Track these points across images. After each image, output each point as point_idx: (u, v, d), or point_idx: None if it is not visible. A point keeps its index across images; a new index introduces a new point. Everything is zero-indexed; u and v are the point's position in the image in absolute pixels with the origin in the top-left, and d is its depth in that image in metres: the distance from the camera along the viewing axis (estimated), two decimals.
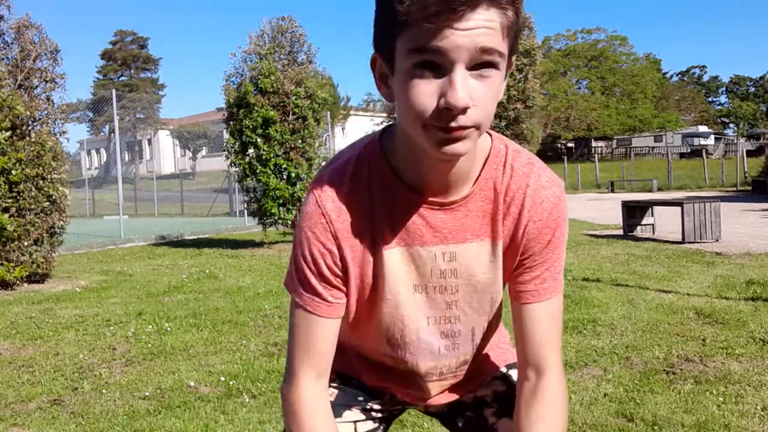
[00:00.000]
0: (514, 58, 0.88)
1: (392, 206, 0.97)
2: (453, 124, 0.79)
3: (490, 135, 1.00)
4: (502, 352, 1.26)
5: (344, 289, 0.99)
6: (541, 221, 0.99)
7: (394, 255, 0.98)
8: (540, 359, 1.02)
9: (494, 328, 1.14)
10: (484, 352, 1.18)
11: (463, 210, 0.97)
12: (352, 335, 1.14)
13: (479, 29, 0.76)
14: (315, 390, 1.00)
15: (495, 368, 1.23)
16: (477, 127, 0.81)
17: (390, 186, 0.96)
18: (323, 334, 0.99)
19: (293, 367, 1.01)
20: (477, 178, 0.97)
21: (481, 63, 0.78)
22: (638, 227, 10.36)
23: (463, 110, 0.78)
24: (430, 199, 0.96)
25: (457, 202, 0.96)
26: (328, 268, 0.97)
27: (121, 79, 55.91)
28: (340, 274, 0.98)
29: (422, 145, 0.84)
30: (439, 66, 0.78)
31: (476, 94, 0.79)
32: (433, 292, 1.02)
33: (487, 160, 0.98)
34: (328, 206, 0.96)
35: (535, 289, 1.01)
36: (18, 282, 7.04)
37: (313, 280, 0.98)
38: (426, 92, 0.79)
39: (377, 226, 0.97)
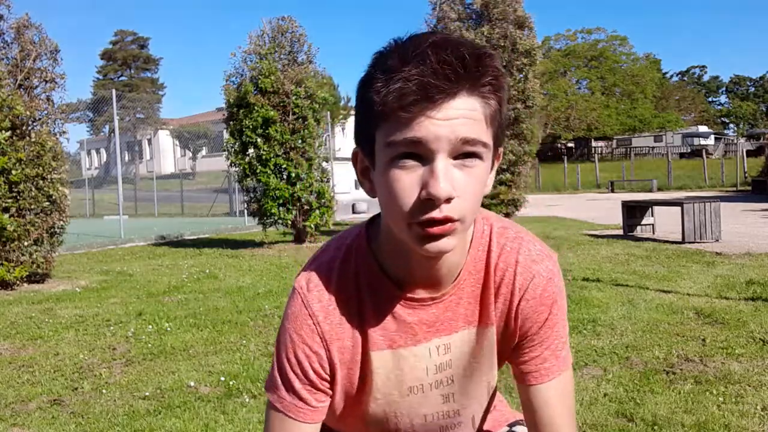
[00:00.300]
0: (501, 150, 0.85)
1: (381, 305, 0.92)
2: (436, 215, 0.75)
3: None
4: (501, 413, 1.19)
5: (330, 392, 0.94)
6: (535, 299, 0.93)
7: (385, 357, 0.93)
8: None
9: (492, 402, 1.09)
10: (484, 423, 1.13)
11: (454, 298, 0.92)
12: (337, 423, 1.06)
13: (459, 119, 0.73)
14: None
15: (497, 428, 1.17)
16: (462, 221, 0.78)
17: (378, 284, 0.91)
18: None
19: None
20: (465, 263, 0.92)
21: (463, 153, 0.76)
22: (638, 227, 10.36)
23: (446, 200, 0.75)
24: (420, 295, 0.91)
25: (448, 292, 0.92)
26: (315, 371, 0.92)
27: (121, 79, 55.90)
28: (327, 377, 0.93)
29: (406, 242, 0.81)
30: (420, 156, 0.75)
31: (459, 184, 0.76)
32: (429, 390, 0.97)
33: (471, 242, 0.92)
34: (315, 306, 0.91)
35: (537, 370, 0.95)
36: (18, 282, 7.04)
37: (297, 384, 0.92)
38: (407, 184, 0.76)
39: (366, 326, 0.92)
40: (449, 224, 0.77)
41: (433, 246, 0.78)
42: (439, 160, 0.74)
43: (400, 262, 0.89)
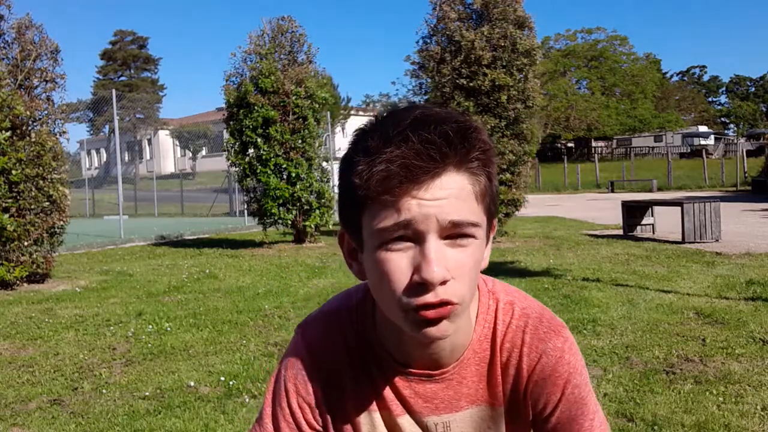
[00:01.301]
0: (495, 221, 0.83)
1: (378, 373, 0.89)
2: (432, 299, 0.72)
3: (478, 288, 0.90)
4: None
5: None
6: (544, 380, 0.87)
7: (381, 422, 0.90)
8: None
9: None
10: None
11: (457, 378, 0.88)
12: None
13: (448, 199, 0.71)
14: None
15: None
16: (460, 303, 0.74)
17: (379, 356, 0.89)
18: None
19: None
20: (470, 342, 0.88)
21: (454, 234, 0.73)
22: (638, 227, 10.36)
23: (441, 283, 0.72)
24: (420, 371, 0.87)
25: (449, 371, 0.88)
26: (308, 423, 0.90)
27: (121, 79, 55.93)
28: (319, 428, 0.91)
29: (402, 327, 0.77)
30: (409, 238, 0.72)
31: (454, 265, 0.73)
32: None
33: (477, 318, 0.88)
34: (312, 360, 0.90)
35: None
36: (18, 282, 7.04)
37: (283, 426, 0.90)
38: (399, 267, 0.73)
39: (365, 391, 0.90)
40: (447, 307, 0.73)
41: (432, 331, 0.74)
42: (430, 241, 0.71)
43: (397, 342, 0.86)
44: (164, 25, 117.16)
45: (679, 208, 9.15)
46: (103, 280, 7.62)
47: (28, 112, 7.01)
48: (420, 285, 0.72)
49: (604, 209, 16.68)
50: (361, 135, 0.77)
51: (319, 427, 0.91)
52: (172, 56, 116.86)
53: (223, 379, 3.58)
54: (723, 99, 76.66)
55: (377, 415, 0.90)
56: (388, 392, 0.89)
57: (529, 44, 9.54)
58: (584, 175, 32.96)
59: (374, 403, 0.90)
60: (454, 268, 0.73)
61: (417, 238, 0.72)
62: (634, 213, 10.43)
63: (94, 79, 56.45)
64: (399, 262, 0.73)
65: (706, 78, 77.70)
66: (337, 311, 0.92)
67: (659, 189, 27.16)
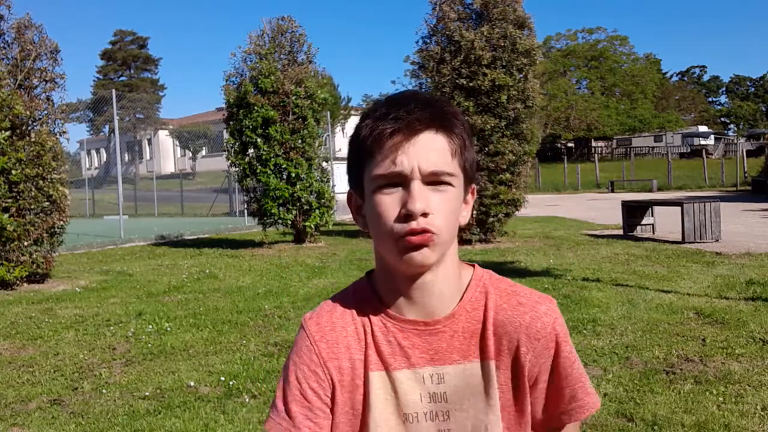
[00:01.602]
0: (473, 186, 1.00)
1: (377, 330, 0.98)
2: (415, 226, 0.88)
3: (474, 266, 1.04)
4: None
5: (328, 418, 0.97)
6: (545, 338, 0.96)
7: (381, 379, 0.97)
8: None
9: None
10: None
11: (449, 331, 0.97)
12: None
13: (429, 152, 0.90)
14: None
15: None
16: (438, 233, 0.89)
17: (374, 311, 0.99)
18: None
19: None
20: (461, 300, 0.98)
21: (434, 181, 0.90)
22: (638, 227, 10.36)
23: (423, 215, 0.88)
24: (413, 319, 0.97)
25: (441, 321, 0.97)
26: (313, 391, 0.96)
27: (121, 79, 55.90)
28: (327, 399, 0.96)
29: (390, 260, 0.93)
30: (399, 183, 0.90)
31: (434, 204, 0.90)
32: (425, 420, 0.98)
33: (470, 282, 1.00)
34: (312, 329, 0.99)
35: (571, 409, 0.98)
36: (18, 282, 7.04)
37: (295, 408, 0.96)
38: (390, 204, 0.90)
39: (362, 347, 0.98)
40: (427, 234, 0.89)
41: (416, 256, 0.89)
42: (414, 184, 0.89)
43: (391, 286, 0.98)
44: (164, 25, 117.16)
45: (679, 208, 9.15)
46: (103, 280, 7.62)
47: (28, 112, 7.01)
48: (406, 216, 0.88)
49: (604, 209, 16.68)
50: (369, 108, 0.97)
51: (325, 397, 0.97)
52: (172, 56, 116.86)
53: (223, 379, 3.58)
54: (723, 99, 76.73)
55: (376, 374, 0.97)
56: (386, 346, 0.97)
57: (528, 44, 9.54)
58: (584, 175, 32.97)
59: (374, 361, 0.97)
60: (434, 206, 0.89)
61: (404, 182, 0.89)
62: (634, 213, 10.43)
63: (94, 79, 56.45)
64: (391, 201, 0.90)
65: (706, 78, 77.72)
66: (335, 295, 1.05)
67: (659, 189, 27.16)
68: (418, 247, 0.89)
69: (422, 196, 0.88)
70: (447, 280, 0.97)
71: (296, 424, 0.95)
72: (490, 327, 0.97)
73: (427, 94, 0.96)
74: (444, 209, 0.90)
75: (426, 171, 0.89)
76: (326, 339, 0.98)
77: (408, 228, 0.88)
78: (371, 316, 0.99)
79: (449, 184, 0.91)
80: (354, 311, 1.00)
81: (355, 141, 0.96)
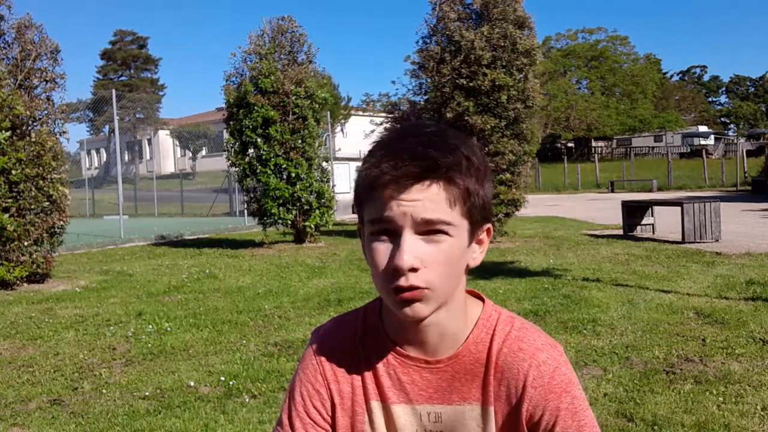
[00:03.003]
0: (485, 227, 0.94)
1: (378, 359, 0.98)
2: (402, 283, 0.85)
3: (484, 301, 1.01)
4: None
5: None
6: (543, 387, 0.93)
7: (379, 410, 0.98)
8: None
9: None
10: None
11: (450, 371, 0.96)
12: None
13: (421, 201, 0.85)
14: None
15: None
16: (431, 288, 0.86)
17: (380, 342, 0.99)
18: None
19: None
20: (466, 340, 0.96)
21: (428, 230, 0.86)
22: (638, 227, 10.36)
23: (412, 270, 0.84)
24: (414, 356, 0.96)
25: (443, 361, 0.95)
26: (316, 409, 0.98)
27: (121, 79, 55.89)
28: (328, 419, 0.99)
29: (390, 306, 0.90)
30: (392, 232, 0.86)
31: (426, 257, 0.85)
32: None
33: (477, 322, 0.97)
34: (319, 348, 1.01)
35: None
36: (18, 282, 7.04)
37: (297, 423, 0.98)
38: (382, 254, 0.87)
39: (364, 376, 0.98)
40: (417, 291, 0.85)
41: (407, 311, 0.87)
42: (405, 234, 0.85)
43: (394, 320, 0.96)
44: (164, 25, 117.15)
45: (679, 208, 9.15)
46: (103, 280, 7.62)
47: (28, 112, 7.01)
48: (395, 270, 0.85)
49: (604, 209, 16.68)
50: (373, 145, 0.93)
51: (327, 416, 0.99)
52: (172, 56, 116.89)
53: (223, 379, 3.58)
54: (723, 99, 76.69)
55: (375, 404, 0.98)
56: (386, 379, 0.97)
57: (529, 44, 9.54)
58: (584, 175, 32.97)
59: (374, 392, 0.98)
60: (427, 259, 0.85)
61: (396, 231, 0.86)
62: (634, 213, 10.43)
63: (94, 79, 56.44)
64: (383, 251, 0.87)
65: (706, 78, 77.70)
66: (348, 313, 1.05)
67: (659, 189, 27.16)
68: (409, 302, 0.86)
69: (411, 249, 0.84)
70: (451, 321, 0.95)
71: None
72: (492, 371, 0.95)
73: (430, 132, 0.90)
74: (438, 261, 0.86)
75: (417, 221, 0.85)
76: (331, 361, 0.99)
77: (396, 284, 0.85)
78: (375, 347, 0.99)
79: (445, 233, 0.86)
80: (360, 337, 1.00)
81: (356, 181, 0.94)
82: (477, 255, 0.94)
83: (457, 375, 0.96)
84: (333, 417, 0.98)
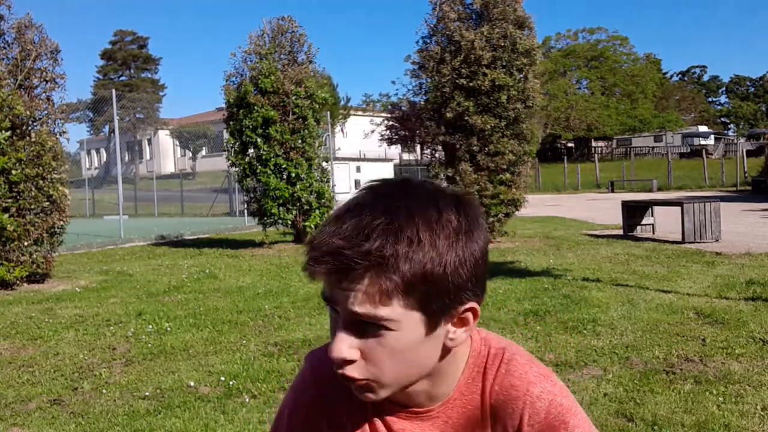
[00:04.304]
0: (465, 308, 0.81)
1: (371, 407, 0.92)
2: (341, 372, 0.79)
3: (471, 337, 0.92)
4: None
5: None
6: (540, 423, 0.89)
7: None
8: None
9: None
10: None
11: (443, 416, 0.91)
12: None
13: (352, 292, 0.75)
14: None
15: None
16: (375, 381, 0.79)
17: None
18: None
19: None
20: (457, 385, 0.90)
21: (362, 322, 0.76)
22: (638, 227, 10.36)
23: (345, 363, 0.78)
24: (407, 407, 0.91)
25: (434, 409, 0.90)
26: None
27: (121, 79, 55.90)
28: None
29: None
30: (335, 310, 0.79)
31: (366, 349, 0.77)
32: None
33: (467, 363, 0.91)
34: (317, 388, 0.95)
35: None
36: (18, 282, 7.04)
37: None
38: (331, 334, 0.80)
39: (356, 420, 0.93)
40: (358, 382, 0.79)
41: (361, 396, 0.82)
42: (341, 324, 0.78)
43: None
44: (164, 25, 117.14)
45: (679, 208, 9.15)
46: (103, 280, 7.62)
47: (28, 112, 7.01)
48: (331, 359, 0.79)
49: (604, 209, 16.68)
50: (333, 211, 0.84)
51: None
52: (172, 56, 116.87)
53: (223, 379, 3.58)
54: (723, 99, 76.72)
55: None
56: (380, 425, 0.92)
57: (528, 44, 9.54)
58: (584, 175, 32.98)
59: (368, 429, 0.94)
60: (365, 353, 0.78)
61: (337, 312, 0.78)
62: (634, 213, 10.43)
63: (94, 79, 56.45)
64: (332, 326, 0.81)
65: (706, 78, 77.72)
66: None
67: (659, 189, 27.17)
68: (362, 390, 0.80)
69: (345, 339, 0.77)
70: (439, 387, 0.89)
71: None
72: (487, 413, 0.91)
73: (386, 199, 0.78)
74: (381, 356, 0.77)
75: (345, 314, 0.77)
76: (326, 406, 0.94)
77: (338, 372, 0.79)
78: None
79: (385, 327, 0.76)
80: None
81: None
82: (458, 335, 0.82)
83: (449, 420, 0.91)
84: None
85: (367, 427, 0.93)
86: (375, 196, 0.80)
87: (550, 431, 0.89)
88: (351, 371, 0.78)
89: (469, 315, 0.82)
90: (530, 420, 0.89)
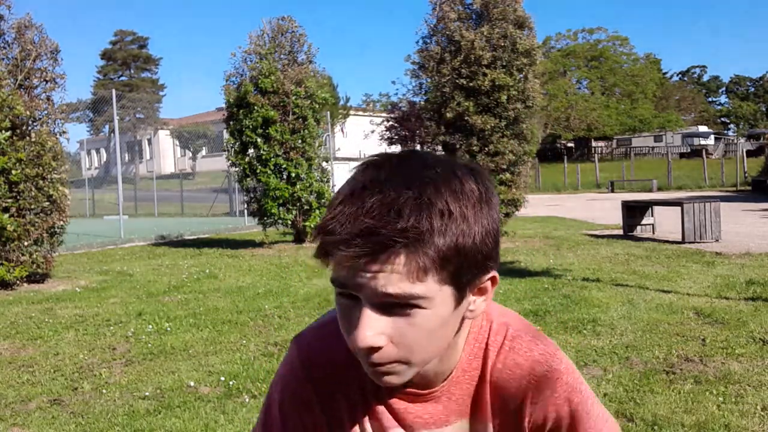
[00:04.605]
0: (488, 277, 0.78)
1: (368, 388, 0.89)
2: (368, 360, 0.74)
3: None
4: None
5: None
6: (544, 401, 0.88)
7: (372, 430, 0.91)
8: None
9: None
10: None
11: (446, 395, 0.89)
12: None
13: (384, 273, 0.70)
14: None
15: None
16: (405, 362, 0.75)
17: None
18: None
19: None
20: (459, 360, 0.88)
21: (393, 304, 0.72)
22: (638, 227, 10.36)
23: (372, 350, 0.73)
24: (407, 389, 0.88)
25: (438, 389, 0.88)
26: (303, 426, 0.92)
27: (121, 79, 55.92)
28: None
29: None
30: (352, 296, 0.74)
31: (394, 332, 0.73)
32: None
33: (468, 338, 0.88)
34: (306, 371, 0.90)
35: None
36: (18, 282, 7.04)
37: None
38: (345, 315, 0.75)
39: (355, 402, 0.90)
40: (385, 366, 0.75)
41: (382, 381, 0.77)
42: (365, 308, 0.72)
43: None
44: (164, 25, 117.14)
45: (679, 208, 9.15)
46: (103, 280, 7.62)
47: (28, 112, 7.01)
48: (356, 348, 0.74)
49: (604, 209, 16.68)
50: (349, 178, 0.77)
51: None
52: (172, 56, 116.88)
53: (223, 379, 3.58)
54: (723, 99, 76.66)
55: (368, 426, 0.91)
56: (379, 407, 0.90)
57: (529, 44, 9.54)
58: (584, 175, 32.97)
59: (366, 415, 0.91)
60: (393, 336, 0.73)
61: (356, 298, 0.73)
62: (634, 213, 10.43)
63: (94, 79, 56.48)
64: (346, 314, 0.75)
65: (706, 78, 77.68)
66: (333, 323, 0.88)
67: (659, 189, 27.17)
68: (383, 374, 0.76)
69: (372, 326, 0.72)
70: (443, 364, 0.87)
71: None
72: (487, 389, 0.89)
73: (399, 183, 0.72)
74: (413, 338, 0.74)
75: (377, 294, 0.71)
76: (317, 389, 0.90)
77: (362, 360, 0.76)
78: (362, 373, 0.85)
79: (417, 306, 0.72)
80: (348, 361, 0.87)
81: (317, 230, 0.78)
82: (477, 305, 0.80)
83: (453, 396, 0.90)
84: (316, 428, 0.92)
85: (366, 411, 0.90)
86: (388, 171, 0.74)
87: (552, 408, 0.88)
88: (380, 357, 0.74)
89: (489, 284, 0.80)
90: (533, 399, 0.87)
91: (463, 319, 0.81)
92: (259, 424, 0.96)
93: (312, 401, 0.91)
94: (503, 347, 0.88)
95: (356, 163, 0.81)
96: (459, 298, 0.76)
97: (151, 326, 4.97)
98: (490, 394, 0.89)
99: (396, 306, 0.72)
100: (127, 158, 49.81)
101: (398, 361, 0.75)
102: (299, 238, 11.18)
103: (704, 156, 34.76)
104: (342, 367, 0.89)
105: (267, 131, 10.38)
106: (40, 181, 7.01)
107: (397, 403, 0.90)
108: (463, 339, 0.87)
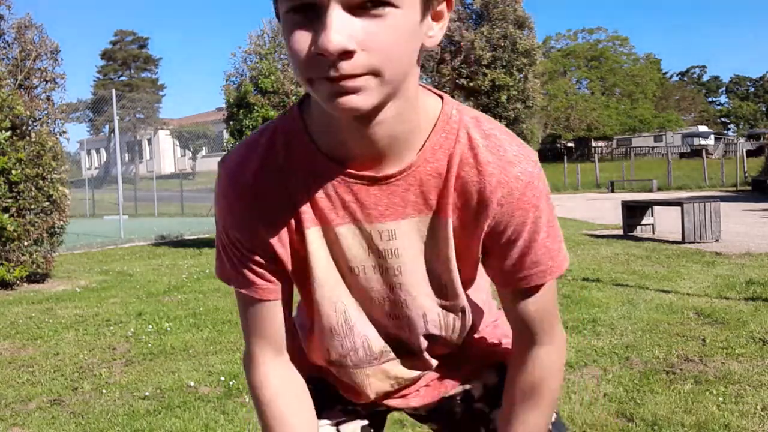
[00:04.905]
0: (437, 1, 0.73)
1: (314, 182, 0.82)
2: (333, 73, 0.65)
3: (442, 97, 0.84)
4: (494, 335, 1.11)
5: (272, 268, 0.88)
6: (511, 204, 0.82)
7: (318, 235, 0.85)
8: (540, 336, 0.99)
9: (465, 316, 0.98)
10: (470, 338, 1.04)
11: (403, 184, 0.81)
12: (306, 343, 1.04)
13: None
14: (276, 368, 0.94)
15: (485, 356, 1.10)
16: (375, 74, 0.67)
17: (311, 159, 0.82)
18: (266, 315, 0.93)
19: (248, 349, 0.97)
20: (422, 147, 0.81)
21: (363, 2, 0.65)
22: (638, 227, 10.35)
23: (344, 55, 0.65)
24: (360, 173, 0.81)
25: (395, 176, 0.81)
26: (250, 249, 0.87)
27: (121, 79, 55.97)
28: (264, 254, 0.87)
29: (318, 100, 0.71)
30: (314, 7, 0.65)
31: (367, 35, 0.65)
32: (373, 272, 0.88)
33: (435, 126, 0.81)
34: (235, 185, 0.85)
35: (530, 274, 0.90)
36: (18, 282, 7.05)
37: (236, 262, 0.89)
38: (300, 39, 0.66)
39: (298, 203, 0.84)
40: (354, 79, 0.66)
41: (343, 102, 0.67)
42: (332, 9, 0.64)
43: (331, 132, 0.79)
44: (164, 25, 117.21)
45: (679, 208, 9.15)
46: (103, 280, 7.62)
47: (28, 112, 7.01)
48: (317, 57, 0.65)
49: (604, 209, 16.67)
50: None
51: (263, 252, 0.87)
52: (172, 56, 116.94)
53: (223, 379, 3.58)
54: (723, 99, 76.70)
55: (314, 230, 0.85)
56: (325, 201, 0.83)
57: (528, 44, 9.56)
58: (584, 175, 32.94)
59: (311, 219, 0.85)
60: (365, 40, 0.65)
61: (321, 8, 0.65)
62: (634, 213, 10.43)
63: (94, 79, 56.53)
64: (300, 34, 0.67)
65: (706, 78, 77.71)
66: (256, 134, 0.87)
67: (659, 189, 27.14)
68: (347, 92, 0.67)
69: (341, 27, 0.64)
70: (402, 122, 0.77)
71: (245, 277, 0.91)
72: (452, 182, 0.82)
73: None
74: (384, 42, 0.66)
75: None
76: (258, 195, 0.84)
77: (323, 75, 0.66)
78: (305, 166, 0.82)
79: (389, 4, 0.66)
80: (286, 159, 0.83)
81: None
82: (435, 32, 0.73)
83: (411, 188, 0.82)
84: (271, 251, 0.86)
85: (313, 205, 0.84)
86: None
87: (518, 213, 0.83)
88: (348, 66, 0.65)
89: (444, 7, 0.74)
90: (502, 199, 0.82)
91: (423, 47, 0.73)
92: (219, 262, 0.94)
93: (251, 211, 0.85)
94: (474, 141, 0.81)
95: None
96: (424, 5, 0.70)
97: (151, 326, 4.97)
98: (455, 189, 0.82)
99: (366, 5, 0.65)
100: (127, 158, 49.82)
101: (370, 72, 0.67)
102: None
103: (704, 156, 34.73)
104: (274, 170, 0.84)
105: None
106: (40, 181, 7.02)
107: (348, 194, 0.82)
108: (429, 117, 0.81)
